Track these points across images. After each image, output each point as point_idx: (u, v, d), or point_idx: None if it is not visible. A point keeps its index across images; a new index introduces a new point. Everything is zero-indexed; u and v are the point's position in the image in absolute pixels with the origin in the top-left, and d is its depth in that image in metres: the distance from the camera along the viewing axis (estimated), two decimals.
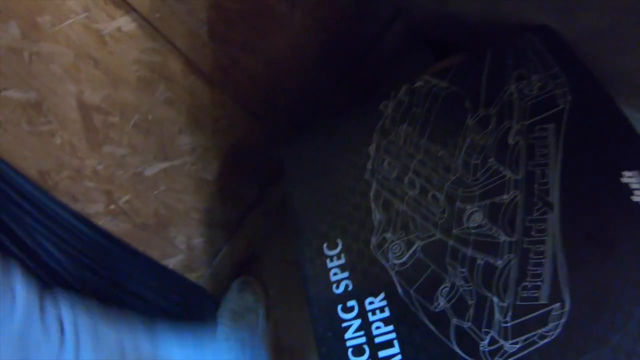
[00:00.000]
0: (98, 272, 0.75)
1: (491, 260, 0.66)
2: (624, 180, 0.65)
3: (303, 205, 0.78)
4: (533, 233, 0.65)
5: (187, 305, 0.97)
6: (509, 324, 0.63)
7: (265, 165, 1.04)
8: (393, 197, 0.72)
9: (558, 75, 0.73)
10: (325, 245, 0.74)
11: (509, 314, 0.63)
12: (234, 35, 0.82)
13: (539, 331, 0.62)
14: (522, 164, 0.69)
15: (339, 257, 0.72)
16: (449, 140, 0.73)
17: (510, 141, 0.70)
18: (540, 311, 0.62)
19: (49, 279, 0.69)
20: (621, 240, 0.63)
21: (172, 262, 0.96)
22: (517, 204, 0.67)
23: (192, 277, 1.01)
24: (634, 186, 0.64)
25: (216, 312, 1.09)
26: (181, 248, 0.97)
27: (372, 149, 0.76)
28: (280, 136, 0.98)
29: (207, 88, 0.83)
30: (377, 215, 0.72)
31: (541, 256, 0.64)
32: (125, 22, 0.69)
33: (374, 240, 0.71)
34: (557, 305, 0.62)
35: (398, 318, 0.67)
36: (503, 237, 0.66)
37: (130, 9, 0.68)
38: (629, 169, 0.65)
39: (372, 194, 0.74)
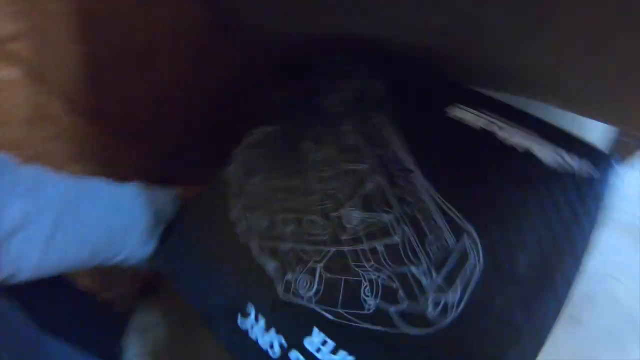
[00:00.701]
0: None
1: (388, 241, 0.63)
2: (451, 115, 0.69)
3: (197, 296, 0.69)
4: (408, 198, 0.64)
5: (96, 324, 0.90)
6: (438, 280, 0.60)
7: None
8: (275, 242, 0.66)
9: (365, 71, 0.76)
10: (238, 317, 0.64)
11: (432, 272, 0.60)
12: (108, 75, 0.85)
13: (466, 267, 0.59)
14: (369, 154, 0.69)
15: (257, 321, 0.63)
16: (297, 168, 0.71)
17: (350, 142, 0.71)
18: (456, 252, 0.60)
19: None
20: (475, 164, 0.66)
21: (79, 283, 0.88)
22: (383, 186, 0.66)
23: (100, 297, 0.93)
24: (461, 116, 0.69)
25: (125, 331, 1.00)
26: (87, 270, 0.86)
27: (234, 214, 0.70)
28: (168, 164, 1.03)
29: (88, 123, 0.86)
30: (270, 266, 0.65)
31: (427, 211, 0.63)
32: (11, 72, 0.74)
33: (279, 288, 0.64)
34: (466, 238, 0.61)
35: (343, 341, 0.59)
36: (386, 218, 0.65)
37: (15, 61, 0.73)
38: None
39: (255, 252, 0.67)
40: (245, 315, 0.65)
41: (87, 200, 0.67)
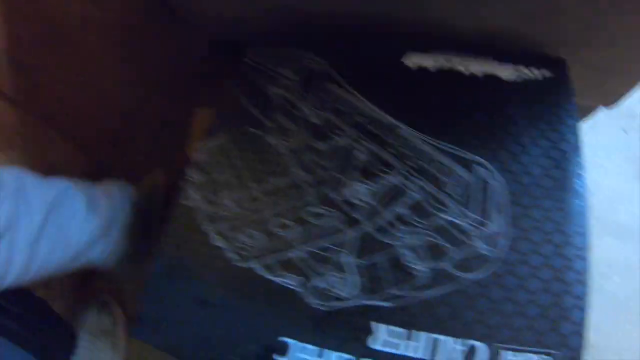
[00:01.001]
0: None
1: (408, 200, 0.56)
2: (409, 63, 0.66)
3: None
4: (406, 152, 0.58)
5: (47, 329, 0.78)
6: (473, 215, 0.54)
7: None
8: (284, 253, 0.55)
9: (304, 51, 0.69)
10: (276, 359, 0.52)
11: (464, 210, 0.55)
12: (32, 60, 0.78)
13: (491, 193, 0.56)
14: (344, 125, 0.61)
15: (302, 351, 0.51)
16: (273, 167, 0.60)
17: (319, 121, 0.62)
18: (476, 183, 0.56)
19: None
20: (452, 101, 0.63)
21: None
22: (375, 150, 0.59)
23: (41, 293, 0.83)
24: (419, 61, 0.66)
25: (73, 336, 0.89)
26: None
27: (219, 242, 0.57)
28: (99, 155, 0.96)
29: (12, 110, 0.79)
30: (290, 281, 0.53)
31: (429, 157, 0.58)
32: None
33: (312, 301, 0.52)
34: (478, 168, 0.57)
35: (413, 323, 0.51)
36: (393, 179, 0.57)
37: None
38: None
39: (263, 273, 0.54)
40: (283, 351, 0.52)
41: (68, 203, 0.64)
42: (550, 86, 0.63)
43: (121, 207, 0.74)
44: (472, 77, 0.63)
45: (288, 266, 0.55)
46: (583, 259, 0.54)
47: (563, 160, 0.58)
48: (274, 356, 0.52)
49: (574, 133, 0.60)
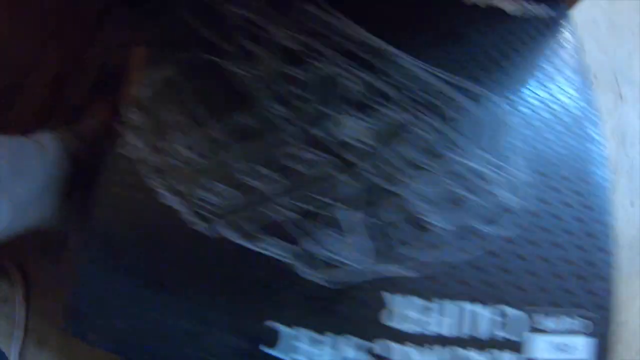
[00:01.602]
0: None
1: (416, 140, 0.43)
2: None
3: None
4: (408, 83, 0.45)
5: None
6: (500, 153, 0.44)
7: None
8: (264, 211, 0.40)
9: None
10: (262, 348, 0.39)
11: (483, 152, 0.44)
12: None
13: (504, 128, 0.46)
14: (325, 49, 0.47)
15: (296, 336, 0.39)
16: (239, 102, 0.45)
17: (290, 45, 0.47)
18: (487, 118, 0.46)
19: None
20: (447, 28, 0.52)
21: None
22: (367, 80, 0.45)
23: None
24: None
25: None
26: None
27: (169, 199, 0.41)
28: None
29: None
30: (278, 249, 0.39)
31: (429, 86, 0.46)
32: None
33: (309, 274, 0.39)
34: (485, 101, 0.47)
35: (438, 290, 0.40)
36: (395, 113, 0.44)
37: None
38: None
39: (235, 237, 0.39)
40: (271, 341, 0.39)
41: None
42: (551, 25, 0.54)
43: (58, 163, 0.55)
44: (473, 7, 0.52)
45: (268, 227, 0.40)
46: (607, 211, 0.45)
47: (582, 94, 0.50)
48: (260, 347, 0.39)
49: (585, 69, 0.52)
